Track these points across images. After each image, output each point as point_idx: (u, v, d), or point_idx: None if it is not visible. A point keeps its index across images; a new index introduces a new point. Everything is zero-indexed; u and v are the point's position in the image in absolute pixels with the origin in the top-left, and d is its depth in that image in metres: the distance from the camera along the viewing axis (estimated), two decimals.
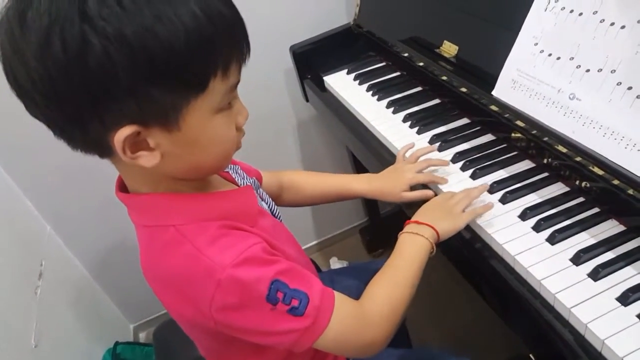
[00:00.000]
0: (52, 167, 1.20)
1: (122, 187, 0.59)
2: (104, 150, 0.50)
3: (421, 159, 0.87)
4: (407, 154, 0.90)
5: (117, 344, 1.34)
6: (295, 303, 0.54)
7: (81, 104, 0.45)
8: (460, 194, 0.76)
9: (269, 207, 0.72)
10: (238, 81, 0.52)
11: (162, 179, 0.55)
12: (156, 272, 0.57)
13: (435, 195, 0.82)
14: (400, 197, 0.83)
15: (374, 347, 0.61)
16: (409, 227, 0.72)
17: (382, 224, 1.72)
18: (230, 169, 0.71)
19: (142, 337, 1.62)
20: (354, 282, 0.94)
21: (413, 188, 0.84)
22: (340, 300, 0.59)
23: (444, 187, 0.83)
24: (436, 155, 0.90)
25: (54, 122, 0.48)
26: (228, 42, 0.49)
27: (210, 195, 0.59)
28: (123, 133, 0.46)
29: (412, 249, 0.69)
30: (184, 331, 0.64)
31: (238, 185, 0.69)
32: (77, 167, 1.18)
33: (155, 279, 0.57)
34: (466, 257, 0.77)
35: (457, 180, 0.84)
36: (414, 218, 0.74)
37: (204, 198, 0.58)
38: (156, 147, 0.49)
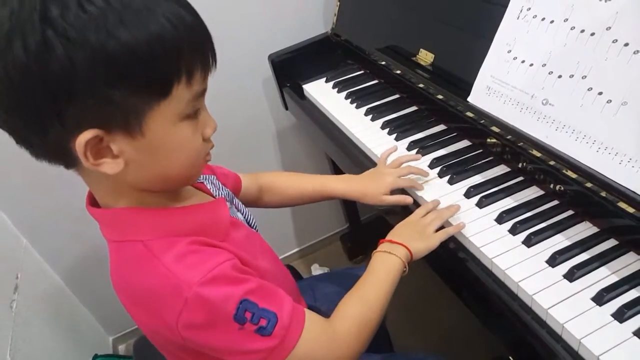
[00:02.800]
0: (27, 180, 1.18)
1: (92, 202, 0.58)
2: (67, 158, 0.49)
3: (404, 165, 0.88)
4: (390, 159, 0.90)
5: (96, 357, 1.32)
6: (263, 323, 0.53)
7: (41, 106, 0.44)
8: (433, 214, 0.77)
9: (244, 217, 0.72)
10: (204, 90, 0.53)
11: (128, 190, 0.54)
12: (125, 288, 0.56)
13: (414, 201, 0.83)
14: (380, 199, 0.83)
15: None
16: (382, 246, 0.73)
17: (362, 230, 1.72)
18: (205, 179, 0.70)
19: (122, 349, 1.58)
20: (334, 289, 0.94)
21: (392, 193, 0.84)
22: (310, 319, 0.59)
23: (422, 194, 0.84)
24: (418, 164, 0.89)
25: (13, 129, 0.48)
26: (192, 50, 0.49)
27: (179, 210, 0.58)
28: (84, 137, 0.46)
29: (384, 267, 0.69)
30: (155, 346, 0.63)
31: (213, 196, 0.68)
32: (53, 180, 1.15)
33: (124, 295, 0.57)
34: (445, 261, 0.78)
35: (434, 185, 0.85)
36: (388, 237, 0.74)
37: (173, 212, 0.57)
38: (120, 154, 0.49)
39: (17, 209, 1.22)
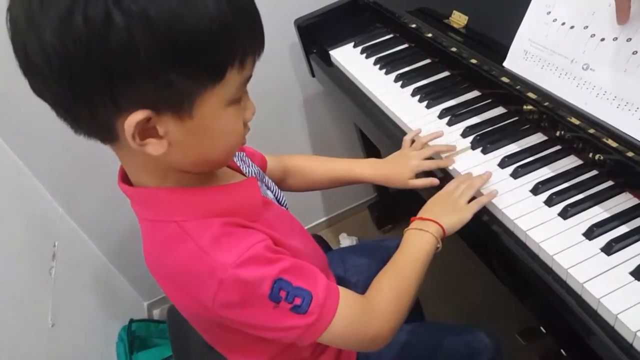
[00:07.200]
0: (62, 150, 1.20)
1: (124, 178, 0.58)
2: (109, 134, 0.49)
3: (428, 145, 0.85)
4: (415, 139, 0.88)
5: (131, 321, 1.37)
6: (298, 301, 0.54)
7: (95, 83, 0.43)
8: (463, 185, 0.75)
9: (274, 195, 0.71)
10: (250, 75, 0.52)
11: (164, 170, 0.54)
12: (159, 267, 0.57)
13: (441, 182, 0.81)
14: (406, 184, 0.83)
15: (377, 341, 0.61)
16: (414, 224, 0.72)
17: (390, 199, 1.71)
18: (236, 156, 0.69)
19: (156, 314, 1.64)
20: (364, 260, 0.94)
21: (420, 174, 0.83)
22: (345, 296, 0.59)
23: (454, 165, 0.81)
24: (444, 140, 0.87)
25: (60, 102, 0.46)
26: (247, 33, 0.48)
27: (212, 190, 0.58)
28: (135, 118, 0.45)
29: (417, 245, 0.69)
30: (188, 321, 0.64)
31: (243, 174, 0.68)
32: (87, 150, 1.15)
33: (158, 273, 0.58)
34: (477, 234, 0.76)
35: (466, 155, 0.83)
36: (419, 214, 0.73)
37: (207, 192, 0.57)
38: (165, 135, 0.48)
39: (52, 179, 1.25)
